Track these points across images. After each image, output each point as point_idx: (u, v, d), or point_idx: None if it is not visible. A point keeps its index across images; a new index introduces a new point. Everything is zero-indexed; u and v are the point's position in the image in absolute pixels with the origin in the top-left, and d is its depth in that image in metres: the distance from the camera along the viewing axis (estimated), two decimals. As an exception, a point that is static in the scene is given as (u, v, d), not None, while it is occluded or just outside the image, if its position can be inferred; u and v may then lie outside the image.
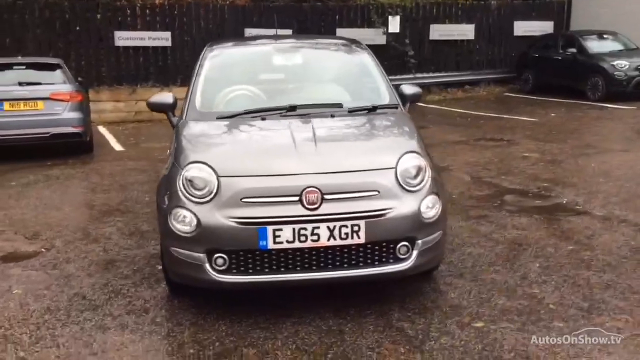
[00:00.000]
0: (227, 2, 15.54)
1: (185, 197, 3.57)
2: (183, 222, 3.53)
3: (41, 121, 9.06)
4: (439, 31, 16.88)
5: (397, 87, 4.78)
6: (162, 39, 14.45)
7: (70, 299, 4.04)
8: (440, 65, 17.11)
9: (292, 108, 4.25)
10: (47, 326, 3.64)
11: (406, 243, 3.63)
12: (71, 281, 4.35)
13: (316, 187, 3.49)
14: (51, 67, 9.77)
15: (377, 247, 3.60)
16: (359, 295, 3.94)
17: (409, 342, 3.38)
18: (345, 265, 3.58)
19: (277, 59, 4.95)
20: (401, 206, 3.60)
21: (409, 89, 4.84)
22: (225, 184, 3.54)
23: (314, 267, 3.55)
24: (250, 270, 3.53)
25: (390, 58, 16.54)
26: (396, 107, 4.48)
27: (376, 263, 3.62)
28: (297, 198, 3.47)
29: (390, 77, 4.86)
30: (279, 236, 3.44)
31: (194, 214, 3.51)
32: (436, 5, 16.90)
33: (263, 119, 4.15)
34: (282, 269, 3.53)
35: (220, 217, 3.47)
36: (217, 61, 4.85)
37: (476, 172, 7.61)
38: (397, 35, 16.33)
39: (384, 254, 3.62)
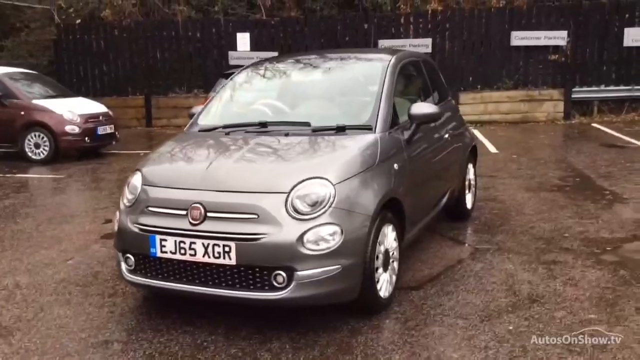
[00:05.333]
0: (501, 3, 14.92)
1: (122, 200, 4.05)
2: (116, 223, 4.03)
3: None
4: None
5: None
6: (422, 45, 14.70)
7: (108, 272, 4.83)
8: None
9: (264, 125, 4.34)
10: (56, 292, 4.48)
11: (282, 272, 3.45)
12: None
13: (200, 204, 3.60)
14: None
15: (250, 272, 3.51)
16: (284, 320, 3.82)
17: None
18: (223, 285, 3.59)
19: (293, 77, 5.02)
20: (278, 233, 3.44)
21: (417, 108, 4.39)
22: (142, 192, 3.90)
23: (196, 281, 3.65)
24: (149, 274, 3.82)
25: None
26: (370, 129, 4.13)
27: (251, 287, 3.53)
28: (185, 212, 3.64)
29: None
30: (164, 246, 3.65)
31: (118, 216, 3.98)
32: None
33: (227, 134, 4.33)
34: (171, 278, 3.73)
35: (129, 222, 3.85)
36: (241, 78, 5.12)
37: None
38: None
39: (258, 280, 3.51)
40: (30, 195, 8.10)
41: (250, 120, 4.46)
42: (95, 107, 11.60)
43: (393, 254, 4.05)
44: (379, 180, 3.88)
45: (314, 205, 3.51)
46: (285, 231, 3.44)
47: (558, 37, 14.41)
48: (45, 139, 10.65)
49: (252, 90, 5.06)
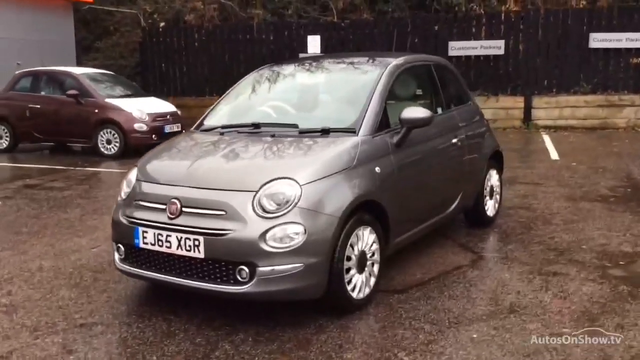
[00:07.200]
0: (582, 4, 14.32)
1: (120, 195, 4.34)
2: (112, 215, 4.33)
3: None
4: None
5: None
6: (494, 47, 14.36)
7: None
8: None
9: (256, 126, 4.50)
10: (71, 276, 4.84)
11: (245, 267, 3.60)
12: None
13: (177, 199, 3.82)
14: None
15: (217, 265, 3.68)
16: (258, 314, 3.96)
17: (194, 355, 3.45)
18: (194, 276, 3.78)
19: (294, 81, 5.17)
20: (242, 230, 3.58)
21: (407, 112, 4.39)
22: (135, 186, 4.18)
23: (172, 272, 3.86)
24: (134, 264, 4.08)
25: None
26: (353, 132, 4.19)
27: (218, 280, 3.70)
28: (164, 206, 3.87)
29: None
30: (145, 237, 3.90)
31: (114, 209, 4.28)
32: None
33: (222, 134, 4.53)
34: (152, 268, 3.97)
35: (120, 214, 4.14)
36: (249, 80, 5.30)
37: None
38: None
39: (224, 273, 3.67)
40: (89, 188, 8.72)
41: (245, 122, 4.64)
42: (164, 106, 12.23)
43: (372, 256, 4.09)
44: (354, 183, 3.93)
45: (280, 204, 3.63)
46: (249, 228, 3.59)
47: (641, 39, 13.61)
48: (116, 135, 11.37)
49: (254, 92, 5.21)
